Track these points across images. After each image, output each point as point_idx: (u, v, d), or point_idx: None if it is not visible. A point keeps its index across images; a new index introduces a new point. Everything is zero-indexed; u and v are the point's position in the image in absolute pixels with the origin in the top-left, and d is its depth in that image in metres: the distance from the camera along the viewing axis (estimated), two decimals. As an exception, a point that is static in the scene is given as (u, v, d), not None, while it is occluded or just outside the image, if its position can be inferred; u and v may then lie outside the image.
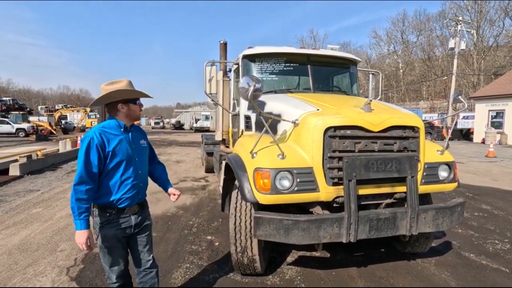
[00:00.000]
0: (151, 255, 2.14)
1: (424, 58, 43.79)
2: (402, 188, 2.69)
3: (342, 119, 2.55)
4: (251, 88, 2.35)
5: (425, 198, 3.11)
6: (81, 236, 1.74)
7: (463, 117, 23.55)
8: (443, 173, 2.91)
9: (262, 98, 3.53)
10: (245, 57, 4.00)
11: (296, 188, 2.45)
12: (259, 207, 2.74)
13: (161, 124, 48.23)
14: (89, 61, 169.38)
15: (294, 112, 2.76)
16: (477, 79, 35.93)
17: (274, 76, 3.94)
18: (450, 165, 2.93)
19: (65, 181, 7.40)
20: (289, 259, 3.33)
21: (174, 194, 2.28)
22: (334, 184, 2.54)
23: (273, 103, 3.19)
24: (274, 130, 2.99)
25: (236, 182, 2.97)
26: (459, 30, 25.09)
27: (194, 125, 37.88)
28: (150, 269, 2.11)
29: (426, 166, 2.82)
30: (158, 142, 20.53)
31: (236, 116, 4.26)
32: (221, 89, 4.27)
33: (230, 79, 4.94)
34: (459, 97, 3.11)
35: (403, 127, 2.70)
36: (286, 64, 3.97)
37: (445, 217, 2.73)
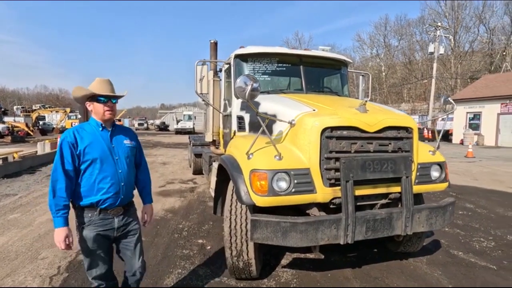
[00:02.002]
0: (139, 261, 2.07)
1: (405, 61, 45.19)
2: (397, 189, 2.71)
3: (339, 120, 2.54)
4: (249, 88, 2.29)
5: (417, 198, 3.15)
6: (59, 234, 1.73)
7: (442, 119, 24.51)
8: (435, 173, 2.95)
9: (258, 97, 3.48)
10: (237, 56, 3.93)
11: (293, 190, 2.40)
12: (254, 209, 2.68)
13: (145, 125, 47.18)
14: (70, 61, 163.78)
15: (290, 113, 2.72)
16: (454, 82, 37.42)
17: (267, 76, 3.90)
18: (441, 165, 2.99)
19: (45, 184, 7.05)
20: (284, 261, 3.29)
21: (145, 218, 2.22)
22: (331, 185, 2.52)
23: (268, 104, 3.15)
24: (269, 130, 2.93)
25: (230, 184, 2.90)
26: (438, 35, 26.04)
27: (175, 126, 34.52)
28: (134, 276, 2.09)
29: (419, 166, 2.85)
30: (143, 143, 19.66)
31: (227, 117, 4.18)
32: (211, 89, 4.18)
33: (220, 79, 4.87)
34: (448, 98, 3.17)
35: (398, 128, 2.72)
36: (279, 65, 3.94)
37: (438, 216, 2.77)
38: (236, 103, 3.83)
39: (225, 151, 4.49)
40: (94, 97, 1.89)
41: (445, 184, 2.99)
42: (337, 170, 2.51)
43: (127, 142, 2.02)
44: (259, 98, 3.44)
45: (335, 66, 4.34)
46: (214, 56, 4.79)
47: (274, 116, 2.90)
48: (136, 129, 44.41)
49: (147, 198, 2.24)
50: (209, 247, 3.69)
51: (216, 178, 3.45)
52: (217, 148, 5.01)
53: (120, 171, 1.91)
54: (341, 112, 2.64)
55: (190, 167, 9.30)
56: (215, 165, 4.90)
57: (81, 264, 3.06)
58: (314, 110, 2.69)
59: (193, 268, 3.15)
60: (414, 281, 2.89)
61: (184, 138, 24.45)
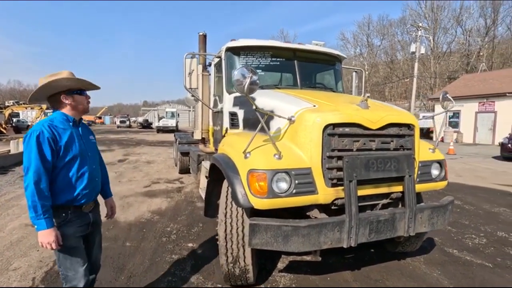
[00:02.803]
0: (100, 254, 2.12)
1: (387, 61, 46.25)
2: (398, 188, 2.61)
3: (341, 116, 2.40)
4: (247, 81, 2.10)
5: (417, 197, 3.07)
6: (49, 235, 1.63)
7: (423, 117, 25.18)
8: (435, 171, 2.88)
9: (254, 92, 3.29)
10: (229, 49, 3.72)
11: (294, 191, 2.24)
12: (251, 212, 2.51)
13: (127, 122, 45.71)
14: (48, 56, 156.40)
15: (289, 108, 2.55)
16: (434, 81, 38.66)
17: (260, 71, 3.71)
18: (441, 163, 2.92)
19: (19, 185, 6.55)
20: (280, 265, 3.14)
21: (112, 211, 2.25)
22: (333, 185, 2.38)
23: (264, 99, 2.96)
24: (266, 127, 2.76)
25: (224, 185, 2.71)
26: (419, 36, 26.70)
27: (156, 124, 31.59)
28: (94, 270, 2.03)
29: (420, 164, 2.77)
30: (125, 141, 19.37)
31: (218, 113, 3.97)
32: (200, 84, 3.95)
33: (209, 74, 4.64)
34: (447, 95, 3.12)
35: (399, 125, 2.62)
36: (272, 59, 3.76)
37: (439, 215, 2.70)
38: (228, 99, 3.62)
39: (216, 149, 4.28)
40: (71, 90, 1.81)
41: (444, 182, 2.93)
42: (339, 169, 2.37)
43: (92, 138, 2.02)
44: (257, 93, 3.26)
45: (329, 61, 4.21)
46: (203, 49, 4.56)
47: (272, 112, 2.72)
48: (118, 127, 43.10)
49: (109, 192, 2.23)
50: (200, 251, 3.48)
51: (208, 178, 3.25)
52: (206, 146, 4.78)
53: (94, 166, 1.91)
54: (342, 108, 2.50)
55: (176, 166, 8.99)
56: (204, 164, 4.69)
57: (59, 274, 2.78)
58: (314, 106, 2.53)
59: (184, 275, 2.94)
60: (415, 282, 2.82)
61: (169, 136, 23.88)
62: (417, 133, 2.70)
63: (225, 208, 2.53)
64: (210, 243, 3.67)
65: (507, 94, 16.75)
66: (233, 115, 3.45)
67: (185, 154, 7.76)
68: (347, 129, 2.41)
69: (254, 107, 2.20)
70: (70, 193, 1.75)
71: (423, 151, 2.87)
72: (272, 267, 3.08)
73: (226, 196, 2.60)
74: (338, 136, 2.38)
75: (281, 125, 2.61)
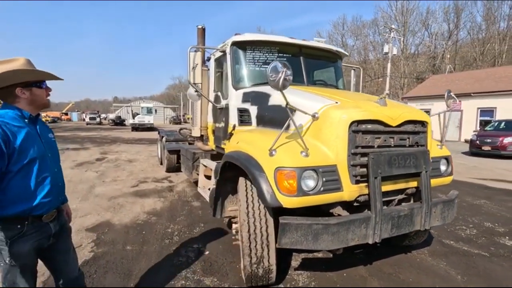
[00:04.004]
0: (76, 262, 1.85)
1: (360, 61, 47.90)
2: (414, 183, 2.69)
3: (365, 113, 2.40)
4: (281, 75, 2.02)
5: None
6: None
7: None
8: (443, 167, 3.00)
9: (262, 89, 3.22)
10: (235, 44, 3.61)
11: (322, 188, 2.22)
12: (272, 210, 2.46)
13: (98, 119, 43.49)
14: None
15: (311, 105, 2.51)
16: (403, 81, 40.73)
17: (267, 66, 3.63)
18: (448, 159, 3.04)
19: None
20: (294, 263, 3.11)
21: (68, 218, 1.91)
22: (357, 182, 2.38)
23: (280, 95, 2.90)
24: (283, 124, 2.71)
25: (242, 185, 2.62)
26: (392, 37, 27.93)
27: (131, 121, 27.79)
28: (77, 278, 1.83)
29: (431, 160, 2.86)
30: (99, 139, 18.37)
31: (222, 110, 3.84)
32: (205, 79, 3.80)
33: (208, 69, 4.49)
34: (451, 93, 3.25)
35: (414, 122, 2.68)
36: (279, 55, 3.70)
37: (450, 209, 2.81)
38: (236, 95, 3.51)
39: (217, 146, 4.16)
40: (29, 83, 1.54)
41: (451, 177, 3.07)
42: (362, 166, 2.38)
43: (51, 136, 1.74)
44: (267, 89, 3.19)
45: (331, 58, 4.24)
46: (202, 43, 4.38)
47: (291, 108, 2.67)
48: (88, 124, 40.89)
49: (65, 197, 1.90)
50: (207, 252, 3.36)
51: (217, 178, 3.13)
52: (205, 144, 4.63)
53: (55, 170, 1.66)
54: (364, 105, 2.51)
55: (162, 164, 8.67)
56: (203, 162, 4.55)
57: None
58: (336, 102, 2.52)
59: (198, 278, 2.82)
60: (426, 274, 2.92)
61: (146, 134, 23.02)
62: (429, 130, 2.79)
63: (247, 208, 2.45)
64: (216, 244, 3.56)
65: (472, 94, 18.03)
66: (242, 112, 3.35)
67: (173, 152, 7.51)
68: (369, 126, 2.43)
69: (285, 102, 2.14)
70: (28, 202, 1.48)
71: (432, 147, 2.96)
72: (286, 266, 3.04)
73: (246, 195, 2.52)
74: (362, 133, 2.39)
75: (302, 121, 2.56)
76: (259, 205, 2.46)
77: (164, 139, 7.83)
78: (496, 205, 5.46)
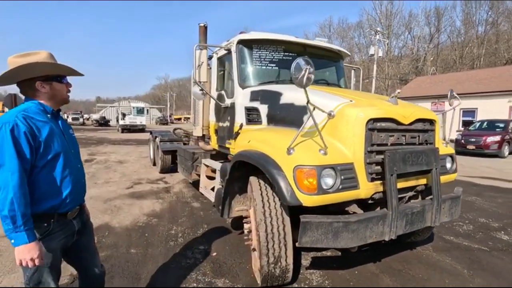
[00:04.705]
0: (98, 258, 1.87)
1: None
2: (423, 181, 2.74)
3: (380, 111, 2.43)
4: (305, 72, 2.01)
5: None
6: (31, 250, 1.35)
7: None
8: (448, 164, 3.07)
9: (274, 87, 3.20)
10: (241, 42, 3.57)
11: (340, 186, 2.22)
12: (288, 209, 2.44)
13: (81, 120, 42.20)
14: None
15: (327, 103, 2.51)
16: (387, 83, 41.80)
17: (274, 65, 3.63)
18: (452, 157, 3.12)
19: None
20: (304, 262, 3.11)
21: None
22: (372, 179, 2.40)
23: (295, 94, 2.89)
24: (299, 122, 2.70)
25: (256, 184, 2.59)
26: (377, 39, 28.61)
27: (121, 121, 26.19)
28: (99, 274, 1.83)
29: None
30: (84, 140, 17.80)
31: (226, 109, 3.79)
32: (209, 77, 3.74)
33: (210, 68, 4.42)
34: (454, 93, 3.34)
35: (424, 120, 2.73)
36: (285, 53, 3.70)
37: (456, 206, 2.89)
38: (242, 93, 3.47)
39: (220, 146, 4.10)
40: (49, 76, 1.52)
41: (455, 174, 3.14)
42: (377, 163, 2.41)
43: (71, 132, 1.73)
44: (278, 88, 3.18)
45: (334, 58, 4.27)
46: (204, 41, 4.31)
47: (305, 107, 2.67)
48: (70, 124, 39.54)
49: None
50: (214, 254, 3.30)
51: (227, 177, 3.09)
52: (206, 143, 4.56)
53: (78, 166, 1.66)
54: (379, 104, 2.54)
55: (155, 165, 8.50)
56: (205, 162, 4.48)
57: None
58: (351, 101, 2.53)
59: (209, 280, 2.77)
60: (434, 269, 2.98)
61: (133, 135, 22.50)
62: (437, 128, 2.85)
63: (263, 207, 2.42)
64: (222, 244, 3.51)
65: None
66: (250, 110, 3.31)
67: (167, 152, 7.38)
68: (383, 124, 2.45)
69: (306, 100, 2.12)
70: (54, 199, 1.48)
71: (438, 145, 3.03)
72: (297, 265, 3.03)
73: (261, 195, 2.50)
74: (377, 131, 2.41)
75: (317, 120, 2.55)
76: (275, 204, 2.44)
77: (158, 139, 7.68)
78: (487, 201, 5.67)
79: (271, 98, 3.07)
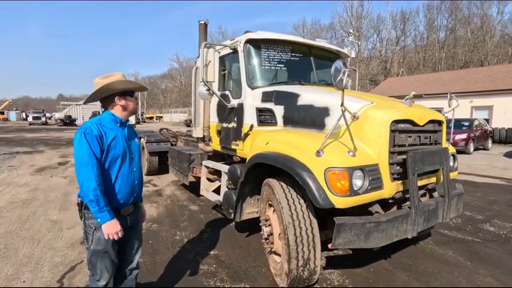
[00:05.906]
0: (139, 252, 2.11)
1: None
2: (433, 179, 2.88)
3: (401, 113, 2.50)
4: (344, 74, 2.01)
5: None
6: (114, 225, 1.72)
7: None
8: (450, 163, 3.25)
9: (289, 88, 3.18)
10: (248, 42, 3.50)
11: (369, 187, 2.26)
12: (315, 210, 2.44)
13: (43, 119, 39.24)
14: None
15: (350, 105, 2.52)
16: (358, 83, 43.63)
17: (283, 66, 3.60)
18: (454, 155, 3.30)
19: None
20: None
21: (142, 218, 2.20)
22: (394, 179, 2.47)
23: (313, 95, 2.89)
24: (319, 124, 2.70)
25: (278, 187, 2.56)
26: (350, 41, 29.68)
27: None
28: (134, 270, 2.07)
29: (445, 157, 3.08)
30: (52, 141, 16.60)
31: (232, 110, 3.69)
32: (215, 77, 3.62)
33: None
34: (452, 95, 3.53)
35: (434, 121, 2.86)
36: (292, 54, 3.69)
37: (461, 202, 3.07)
38: (252, 94, 3.40)
39: (223, 147, 3.99)
40: (124, 92, 1.88)
41: (456, 172, 3.34)
42: (398, 164, 2.48)
43: (136, 140, 2.06)
44: (294, 88, 3.16)
45: (334, 59, 4.32)
46: (205, 39, 4.19)
47: (326, 108, 2.68)
48: (31, 124, 36.74)
49: (140, 198, 2.16)
50: (227, 258, 3.22)
51: (241, 180, 3.03)
52: (207, 144, 4.43)
53: (134, 169, 1.94)
54: (398, 106, 2.62)
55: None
56: (207, 163, 4.35)
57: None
58: (372, 103, 2.58)
59: (228, 286, 2.69)
60: (441, 263, 3.13)
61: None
62: (444, 128, 3.00)
63: (290, 210, 2.40)
64: (232, 248, 3.43)
65: (424, 95, 19.94)
66: (263, 111, 3.25)
67: (154, 154, 7.09)
68: (403, 126, 2.53)
69: (341, 102, 2.12)
70: (110, 194, 1.76)
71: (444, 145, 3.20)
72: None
73: (287, 197, 2.47)
74: (398, 132, 2.48)
75: (340, 121, 2.57)
76: (301, 206, 2.43)
77: (143, 140, 7.34)
78: (467, 195, 6.04)
79: (287, 99, 3.05)
